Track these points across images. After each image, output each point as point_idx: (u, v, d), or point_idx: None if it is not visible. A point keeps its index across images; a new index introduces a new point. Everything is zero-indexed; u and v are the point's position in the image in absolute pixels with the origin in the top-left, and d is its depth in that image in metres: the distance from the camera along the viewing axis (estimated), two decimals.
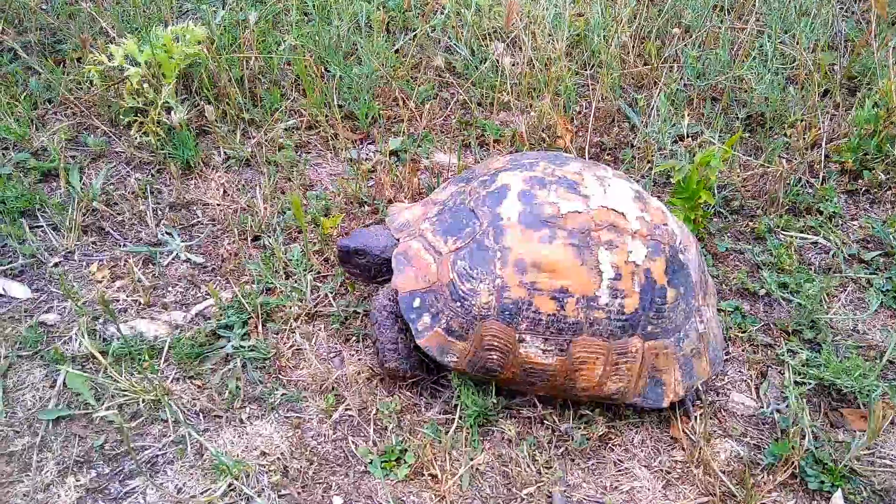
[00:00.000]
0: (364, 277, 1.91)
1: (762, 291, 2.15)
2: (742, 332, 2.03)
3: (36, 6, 2.91)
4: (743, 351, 2.00)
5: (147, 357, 1.78)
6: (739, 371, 1.96)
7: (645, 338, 1.70)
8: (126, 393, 1.72)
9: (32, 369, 1.77)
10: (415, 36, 2.99)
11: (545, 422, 1.77)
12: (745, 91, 2.89)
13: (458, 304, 1.66)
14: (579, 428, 1.75)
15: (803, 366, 1.94)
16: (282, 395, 1.77)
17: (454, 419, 1.74)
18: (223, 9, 3.00)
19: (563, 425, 1.76)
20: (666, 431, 1.81)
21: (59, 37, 2.89)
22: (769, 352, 2.00)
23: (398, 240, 1.83)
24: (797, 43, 2.99)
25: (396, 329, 1.77)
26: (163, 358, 1.82)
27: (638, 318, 1.68)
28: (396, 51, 2.97)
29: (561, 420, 1.78)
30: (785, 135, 2.74)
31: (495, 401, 1.75)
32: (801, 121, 2.72)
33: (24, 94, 2.57)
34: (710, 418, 1.83)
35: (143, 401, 1.72)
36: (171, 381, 1.78)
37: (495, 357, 1.67)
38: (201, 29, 2.52)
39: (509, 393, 1.81)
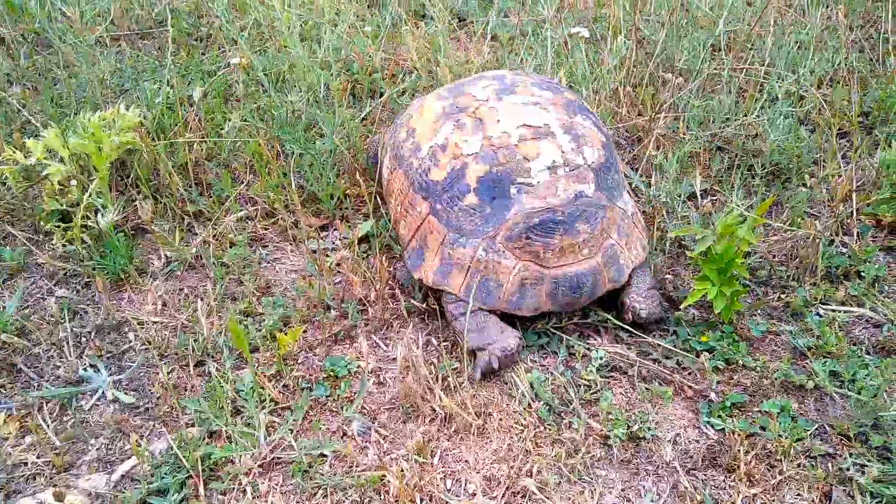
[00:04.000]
0: None
1: (811, 384, 1.79)
2: (796, 441, 1.66)
3: None
4: (799, 467, 1.63)
5: None
6: (799, 494, 1.59)
7: None
8: None
9: None
10: (382, 103, 2.67)
11: None
12: (756, 136, 2.58)
13: None
14: None
15: (876, 482, 1.58)
16: None
17: None
18: (167, 85, 2.68)
19: None
20: None
21: None
22: (830, 464, 1.64)
23: None
24: (801, 79, 2.70)
25: None
26: None
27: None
28: (363, 119, 2.65)
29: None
30: (805, 184, 2.43)
31: None
32: (823, 169, 2.40)
33: None
34: None
35: None
36: None
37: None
38: (134, 112, 2.19)
39: None
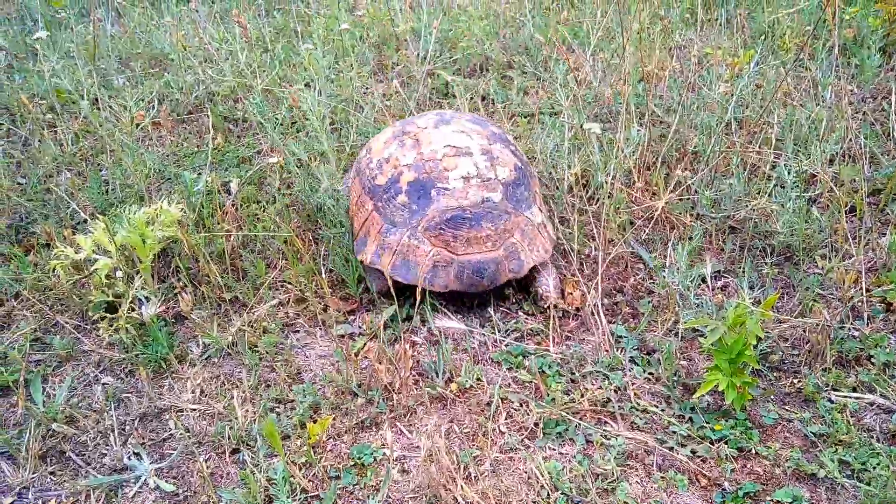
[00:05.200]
0: None
1: (822, 473, 1.84)
2: None
3: (9, 188, 2.77)
4: None
5: None
6: None
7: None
8: None
9: None
10: None
11: None
12: (767, 217, 2.67)
13: None
14: None
15: None
16: None
17: None
18: (207, 172, 2.86)
19: None
20: None
21: (32, 217, 2.75)
22: None
23: None
24: (812, 159, 2.80)
25: None
26: None
27: None
28: None
29: None
30: (816, 265, 2.50)
31: None
32: (834, 251, 2.48)
33: None
34: None
35: None
36: None
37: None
38: (176, 208, 2.35)
39: None
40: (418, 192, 2.28)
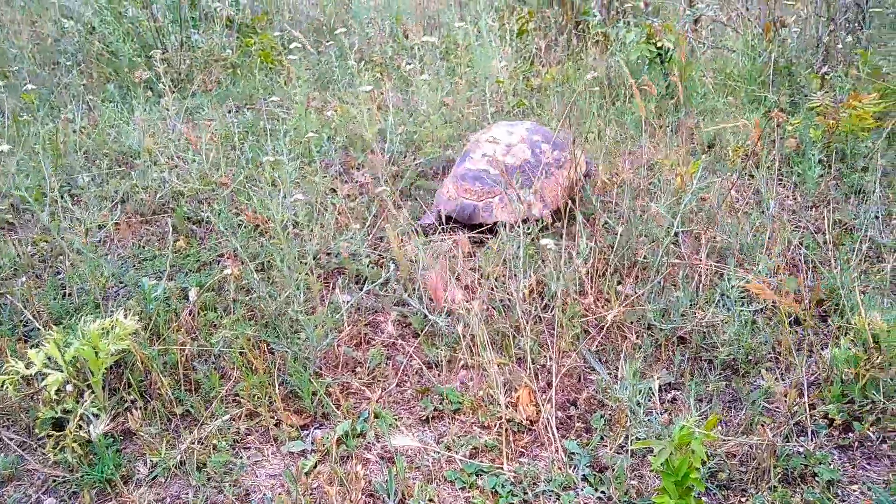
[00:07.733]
0: None
1: None
2: None
3: None
4: None
5: None
6: None
7: None
8: None
9: None
10: (368, 290, 2.86)
11: None
12: (713, 328, 2.75)
13: None
14: None
15: None
16: None
17: None
18: (165, 278, 2.88)
19: None
20: None
21: None
22: None
23: None
24: (756, 271, 2.91)
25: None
26: None
27: None
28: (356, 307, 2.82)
29: None
30: (762, 377, 2.57)
31: None
32: (779, 366, 2.56)
33: None
34: None
35: None
36: None
37: None
38: (132, 321, 2.36)
39: None
40: (462, 158, 3.48)
